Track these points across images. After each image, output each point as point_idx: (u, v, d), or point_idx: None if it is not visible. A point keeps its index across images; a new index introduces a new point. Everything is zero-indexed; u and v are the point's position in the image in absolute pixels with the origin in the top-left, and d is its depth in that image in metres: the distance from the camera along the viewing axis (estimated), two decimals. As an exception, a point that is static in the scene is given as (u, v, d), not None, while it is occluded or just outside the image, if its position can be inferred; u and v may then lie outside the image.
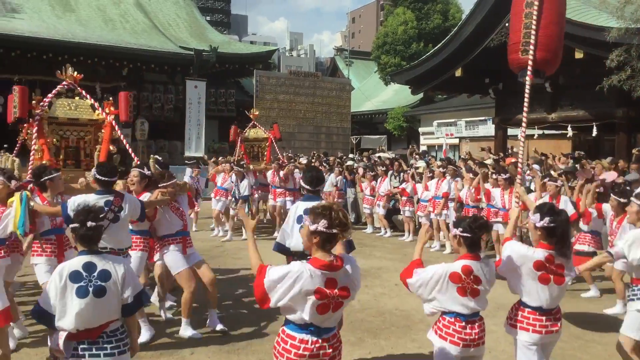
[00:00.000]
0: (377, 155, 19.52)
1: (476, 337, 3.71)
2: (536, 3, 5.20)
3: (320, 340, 3.15)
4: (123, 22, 25.52)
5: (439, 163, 13.63)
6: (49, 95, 7.04)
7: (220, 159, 15.07)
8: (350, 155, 20.98)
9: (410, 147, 23.54)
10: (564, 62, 5.64)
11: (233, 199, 12.23)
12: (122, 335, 3.38)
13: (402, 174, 13.54)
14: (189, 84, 23.17)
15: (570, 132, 15.27)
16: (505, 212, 9.55)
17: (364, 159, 18.73)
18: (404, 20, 33.08)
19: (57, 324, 3.24)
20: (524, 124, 5.57)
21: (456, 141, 25.15)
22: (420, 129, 29.65)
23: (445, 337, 3.71)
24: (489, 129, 21.13)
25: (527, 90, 5.42)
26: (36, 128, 6.65)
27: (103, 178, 5.36)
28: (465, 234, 3.70)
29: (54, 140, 6.89)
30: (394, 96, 34.56)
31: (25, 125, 6.80)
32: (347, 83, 29.58)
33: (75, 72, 7.24)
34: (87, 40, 21.93)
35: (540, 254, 3.88)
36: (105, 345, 3.27)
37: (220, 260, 10.01)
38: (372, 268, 9.26)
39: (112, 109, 7.13)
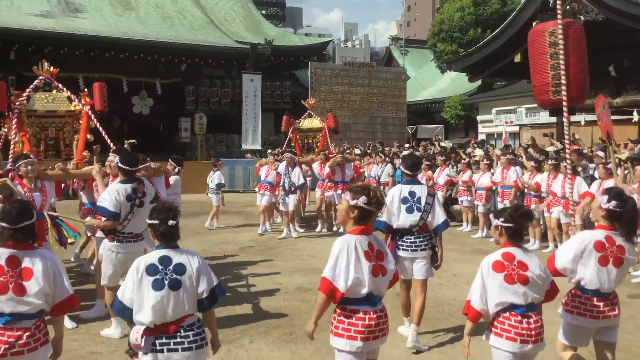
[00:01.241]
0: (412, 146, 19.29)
1: (534, 332, 3.54)
2: (561, 43, 5.10)
3: (377, 310, 3.55)
4: (181, 18, 26.05)
5: (498, 152, 13.35)
6: (27, 89, 7.39)
7: (268, 151, 14.97)
8: (407, 145, 20.80)
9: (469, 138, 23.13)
10: (629, 45, 5.57)
11: (283, 190, 11.38)
12: (198, 330, 3.40)
13: (459, 163, 13.32)
14: (245, 78, 23.48)
15: (636, 117, 14.67)
16: (566, 200, 9.29)
17: (420, 148, 18.53)
18: (460, 7, 32.44)
19: (135, 317, 3.29)
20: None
21: (516, 129, 24.52)
22: (479, 117, 29.05)
23: (501, 334, 3.57)
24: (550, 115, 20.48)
25: (566, 131, 5.47)
26: (15, 121, 7.00)
27: (126, 167, 5.67)
28: (507, 224, 3.63)
29: (34, 131, 7.22)
30: (451, 84, 33.99)
31: (4, 119, 7.16)
32: (403, 72, 29.28)
33: (52, 67, 7.54)
34: (147, 37, 22.50)
35: (600, 234, 3.88)
36: (182, 340, 3.30)
37: (277, 252, 10.14)
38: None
39: (87, 99, 7.39)
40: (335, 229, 12.02)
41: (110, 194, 5.58)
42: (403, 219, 5.47)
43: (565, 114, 5.24)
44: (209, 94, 24.78)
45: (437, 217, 5.57)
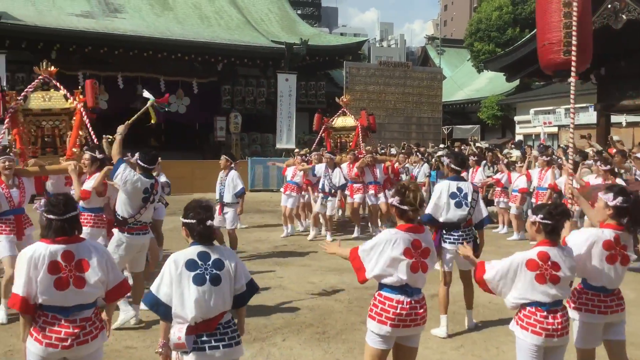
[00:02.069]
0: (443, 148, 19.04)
1: (559, 326, 3.58)
2: (575, 3, 5.06)
3: (412, 301, 3.70)
4: (218, 18, 26.31)
5: (536, 153, 13.11)
6: (26, 89, 7.56)
7: (295, 150, 14.80)
8: (442, 146, 20.60)
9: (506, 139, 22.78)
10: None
11: (321, 192, 11.06)
12: (234, 327, 3.43)
13: (495, 164, 13.14)
14: (280, 77, 23.58)
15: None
16: None
17: (456, 149, 18.33)
18: (498, 5, 31.98)
19: (177, 313, 3.26)
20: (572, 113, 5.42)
21: (555, 129, 24.06)
22: (516, 118, 28.60)
23: (526, 327, 3.61)
24: (590, 116, 20.02)
25: (572, 92, 5.32)
26: (7, 120, 7.21)
27: (145, 165, 6.03)
28: (545, 221, 3.63)
29: (32, 130, 7.39)
30: (488, 84, 33.54)
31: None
32: (439, 72, 29.01)
33: (52, 67, 7.70)
34: (185, 37, 22.78)
35: (609, 233, 3.89)
36: (222, 337, 3.31)
37: (310, 251, 10.16)
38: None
39: (80, 97, 7.54)
40: (371, 231, 11.64)
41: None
42: (452, 214, 5.82)
43: (573, 74, 5.20)
44: (244, 93, 24.96)
45: (481, 213, 6.00)
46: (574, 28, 5.16)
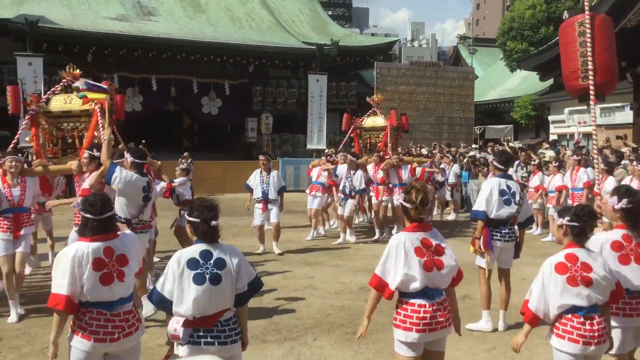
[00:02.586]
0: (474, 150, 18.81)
1: (597, 334, 3.46)
2: (588, 32, 5.44)
3: (435, 304, 3.64)
4: (249, 20, 26.51)
5: (569, 153, 12.91)
6: (48, 92, 7.85)
7: (325, 151, 14.72)
8: (474, 146, 20.40)
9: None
10: None
11: (342, 194, 10.89)
12: (234, 325, 3.44)
13: (528, 164, 12.97)
14: (311, 78, 23.65)
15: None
16: None
17: (488, 149, 18.14)
18: (532, 4, 31.53)
19: (175, 310, 3.34)
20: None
21: (590, 129, 23.61)
22: (550, 117, 28.13)
23: (562, 335, 3.51)
24: (626, 115, 19.62)
25: (593, 114, 5.77)
26: (26, 121, 7.45)
27: (138, 160, 6.21)
28: (572, 223, 3.57)
29: (53, 131, 7.57)
30: (521, 84, 33.08)
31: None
32: (471, 72, 28.73)
33: (78, 70, 7.92)
34: (217, 39, 23.03)
35: (616, 234, 3.85)
36: (219, 334, 3.36)
37: (340, 252, 10.18)
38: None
39: (102, 97, 7.71)
40: (395, 232, 11.43)
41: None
42: (501, 211, 5.91)
43: (592, 97, 5.57)
44: (275, 94, 25.10)
45: (526, 212, 6.20)
46: (589, 56, 5.67)
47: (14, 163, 6.57)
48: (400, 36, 64.79)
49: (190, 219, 3.45)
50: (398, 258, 3.66)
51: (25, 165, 6.88)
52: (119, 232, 3.67)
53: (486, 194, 5.97)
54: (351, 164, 10.96)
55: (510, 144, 19.75)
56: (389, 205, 11.48)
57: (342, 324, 6.24)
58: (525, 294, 3.78)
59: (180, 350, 3.35)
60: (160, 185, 8.50)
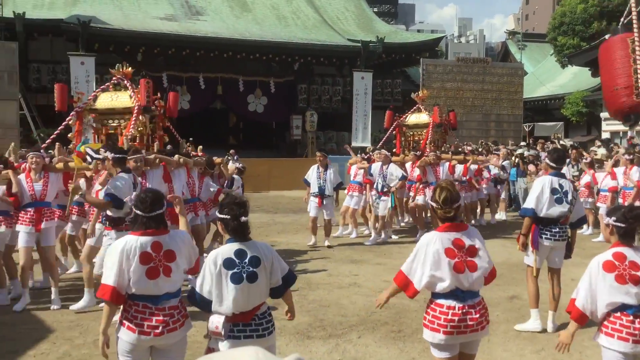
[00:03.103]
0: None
1: None
2: (638, 49, 5.21)
3: (466, 306, 3.56)
4: (295, 18, 26.62)
5: (622, 151, 12.52)
6: (95, 90, 8.10)
7: (369, 148, 14.47)
8: (522, 144, 20.00)
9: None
10: None
11: (375, 192, 10.46)
12: (270, 317, 3.54)
13: (579, 163, 12.62)
14: (356, 76, 23.58)
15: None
16: None
17: (538, 147, 17.75)
18: (583, -2, 30.66)
19: (215, 308, 3.41)
20: None
21: (644, 127, 22.83)
22: (602, 114, 27.30)
23: (612, 334, 3.46)
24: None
25: None
26: (70, 118, 7.77)
27: (118, 155, 6.16)
28: (618, 224, 3.55)
29: (98, 127, 7.76)
30: (572, 80, 32.22)
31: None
32: (520, 68, 28.16)
33: (130, 68, 8.16)
34: (263, 37, 23.19)
35: (607, 254, 3.64)
36: (257, 327, 3.45)
37: (385, 249, 10.13)
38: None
39: (139, 96, 7.86)
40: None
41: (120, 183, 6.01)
42: (553, 209, 5.82)
43: None
44: (320, 92, 25.15)
45: (578, 212, 6.12)
46: None
47: (34, 159, 6.82)
48: (447, 32, 64.05)
49: (221, 216, 3.51)
50: (426, 258, 3.62)
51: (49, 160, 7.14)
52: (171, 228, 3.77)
53: (537, 191, 5.88)
54: (385, 158, 10.50)
55: (561, 142, 19.27)
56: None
57: (387, 322, 6.21)
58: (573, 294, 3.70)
59: (221, 345, 3.42)
60: (212, 187, 8.59)
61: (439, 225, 3.75)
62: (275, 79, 24.03)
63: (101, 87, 8.25)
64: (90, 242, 6.60)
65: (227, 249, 3.47)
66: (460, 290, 3.58)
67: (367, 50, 23.50)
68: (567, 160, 12.88)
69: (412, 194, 11.17)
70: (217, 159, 9.47)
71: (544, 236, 5.87)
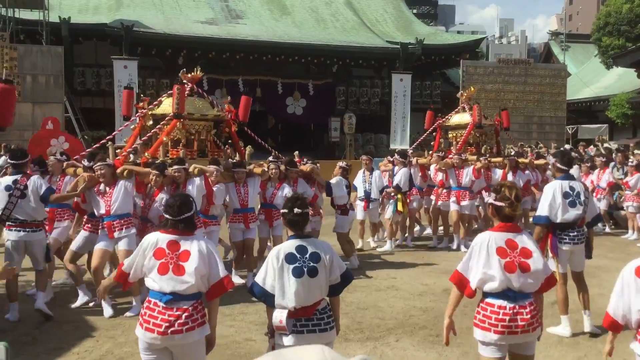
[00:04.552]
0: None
1: None
2: None
3: (517, 306, 3.59)
4: (334, 21, 26.67)
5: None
6: (162, 95, 8.21)
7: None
8: (567, 146, 19.58)
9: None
10: None
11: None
12: (330, 313, 3.66)
13: (625, 166, 12.29)
14: (394, 78, 23.49)
15: None
16: None
17: (580, 148, 17.36)
18: (630, -2, 29.89)
19: (278, 302, 3.52)
20: None
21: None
22: (649, 116, 26.60)
23: None
24: None
25: None
26: (131, 121, 8.13)
27: (14, 161, 6.39)
28: None
29: (184, 134, 7.85)
30: (617, 81, 31.42)
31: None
32: (563, 69, 27.59)
33: (199, 71, 8.36)
34: (302, 40, 23.32)
35: None
36: (319, 322, 3.56)
37: (424, 253, 10.05)
38: (589, 267, 8.57)
39: (231, 107, 8.27)
40: (455, 245, 10.26)
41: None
42: (567, 214, 5.72)
43: None
44: (358, 94, 25.13)
45: (592, 211, 6.01)
46: None
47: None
48: (487, 33, 63.22)
49: (282, 210, 3.73)
50: (480, 256, 3.67)
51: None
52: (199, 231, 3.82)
53: (549, 198, 5.77)
54: (397, 162, 9.98)
55: (606, 145, 18.83)
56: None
57: (425, 325, 6.16)
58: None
59: (285, 340, 3.52)
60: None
61: (492, 226, 3.82)
62: (313, 81, 24.12)
63: (167, 92, 8.36)
64: (72, 247, 6.79)
65: (289, 245, 3.61)
66: (512, 290, 3.61)
67: (406, 52, 23.40)
68: (613, 163, 12.57)
69: (433, 198, 10.58)
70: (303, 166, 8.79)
71: (563, 241, 5.78)
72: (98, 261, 6.44)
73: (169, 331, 3.50)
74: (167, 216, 3.72)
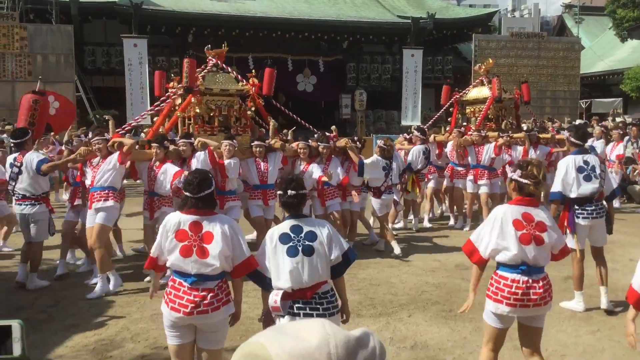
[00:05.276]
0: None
1: None
2: None
3: (530, 280, 3.63)
4: (344, -5, 26.36)
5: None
6: (203, 70, 8.03)
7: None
8: (579, 121, 19.37)
9: None
10: None
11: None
12: (332, 298, 3.55)
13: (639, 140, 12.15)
14: (405, 53, 23.23)
15: None
16: None
17: (593, 122, 17.18)
18: (645, -33, 29.27)
19: (274, 284, 3.49)
20: None
21: None
22: (665, 90, 26.21)
23: None
24: None
25: None
26: (160, 102, 8.01)
27: (14, 140, 6.88)
28: None
29: (206, 110, 7.76)
30: (632, 54, 30.92)
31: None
32: (576, 42, 27.17)
33: (225, 46, 8.23)
34: (312, 16, 23.09)
35: None
36: (317, 306, 3.46)
37: (439, 230, 10.03)
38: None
39: (255, 80, 8.05)
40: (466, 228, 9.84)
41: None
42: (584, 188, 5.66)
43: None
44: (369, 70, 24.92)
45: (610, 184, 5.93)
46: None
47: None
48: (500, 7, 62.25)
49: (278, 191, 3.70)
50: (494, 227, 3.70)
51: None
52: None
53: (562, 173, 5.73)
54: (415, 139, 9.46)
55: (619, 119, 18.59)
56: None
57: (438, 301, 6.17)
58: (632, 277, 3.52)
59: (281, 322, 3.46)
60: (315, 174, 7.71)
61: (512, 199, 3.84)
62: (324, 57, 23.93)
63: (207, 67, 8.19)
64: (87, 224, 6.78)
65: (284, 225, 3.57)
66: (526, 264, 3.64)
67: (417, 27, 23.11)
68: (627, 137, 12.43)
69: (448, 175, 10.15)
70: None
71: (580, 216, 5.70)
72: (92, 239, 6.56)
73: (195, 312, 3.49)
74: (186, 194, 3.63)
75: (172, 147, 7.14)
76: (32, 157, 6.65)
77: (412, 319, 5.67)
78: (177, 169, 6.76)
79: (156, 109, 8.55)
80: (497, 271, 3.75)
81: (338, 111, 24.48)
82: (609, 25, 34.32)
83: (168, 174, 6.74)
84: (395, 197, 8.61)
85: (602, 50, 34.64)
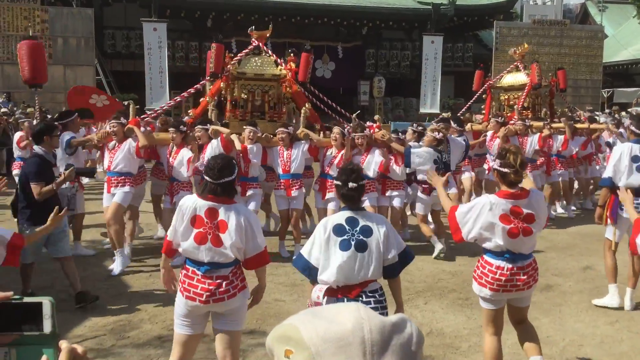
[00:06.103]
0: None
1: None
2: None
3: (515, 267, 3.67)
4: (363, -19, 26.16)
5: None
6: (241, 53, 7.94)
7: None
8: (606, 111, 19.10)
9: None
10: None
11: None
12: (380, 297, 3.36)
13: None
14: (425, 40, 23.03)
15: None
16: None
17: (615, 114, 16.93)
18: (673, -46, 28.70)
19: (319, 277, 3.29)
20: None
21: None
22: (689, 80, 25.74)
23: None
24: None
25: None
26: (205, 81, 8.10)
27: (59, 121, 7.02)
28: None
29: (242, 94, 7.67)
30: (657, 43, 30.41)
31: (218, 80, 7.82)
32: (599, 30, 26.75)
33: (269, 30, 8.12)
34: (331, 2, 22.96)
35: None
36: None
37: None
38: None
39: (292, 65, 7.80)
40: None
41: None
42: (634, 178, 5.47)
43: None
44: (388, 57, 24.78)
45: None
46: None
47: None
48: (522, -6, 61.35)
49: (335, 182, 3.52)
50: (479, 217, 3.67)
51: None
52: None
53: (615, 159, 5.55)
54: (452, 130, 8.18)
55: (638, 109, 18.30)
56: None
57: (454, 289, 6.16)
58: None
59: None
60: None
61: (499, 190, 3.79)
62: (343, 44, 23.82)
63: (244, 51, 8.07)
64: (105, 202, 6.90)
65: (339, 216, 3.38)
66: (512, 252, 3.68)
67: (437, 13, 22.89)
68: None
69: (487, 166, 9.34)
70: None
71: (624, 208, 5.41)
72: (109, 215, 6.72)
73: (211, 300, 3.42)
74: (207, 178, 3.49)
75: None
76: (62, 138, 6.90)
77: (429, 306, 5.66)
78: (191, 154, 6.77)
79: (178, 99, 8.62)
80: (484, 256, 3.80)
81: (356, 98, 24.38)
82: (633, 14, 33.70)
83: (184, 159, 6.78)
84: (454, 189, 7.81)
85: (626, 39, 34.04)
